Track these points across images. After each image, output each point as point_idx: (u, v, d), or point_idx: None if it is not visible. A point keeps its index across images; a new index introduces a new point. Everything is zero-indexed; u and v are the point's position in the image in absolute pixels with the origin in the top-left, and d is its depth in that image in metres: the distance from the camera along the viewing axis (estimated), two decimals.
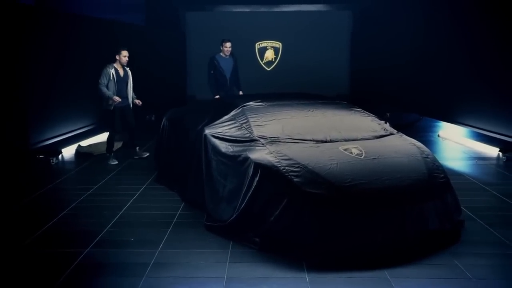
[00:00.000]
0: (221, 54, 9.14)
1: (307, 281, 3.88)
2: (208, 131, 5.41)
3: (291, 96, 6.50)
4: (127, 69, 7.89)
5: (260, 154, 4.74)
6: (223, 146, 5.14)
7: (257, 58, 15.83)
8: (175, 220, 5.25)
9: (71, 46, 8.55)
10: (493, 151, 8.48)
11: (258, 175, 4.52)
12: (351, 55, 15.53)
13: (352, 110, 5.92)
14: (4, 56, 6.94)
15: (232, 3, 15.47)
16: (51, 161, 7.73)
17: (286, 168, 4.50)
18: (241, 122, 5.42)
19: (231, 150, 5.04)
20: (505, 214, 5.45)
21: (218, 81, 9.07)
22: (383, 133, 5.49)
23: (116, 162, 7.76)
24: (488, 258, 4.33)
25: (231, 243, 4.59)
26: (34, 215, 5.47)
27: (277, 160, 4.60)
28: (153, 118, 12.41)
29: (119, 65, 7.74)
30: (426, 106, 10.71)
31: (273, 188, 4.46)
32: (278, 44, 15.87)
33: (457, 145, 9.40)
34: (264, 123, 5.34)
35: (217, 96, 8.77)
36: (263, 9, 15.62)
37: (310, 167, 4.49)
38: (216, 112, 5.94)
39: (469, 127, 9.12)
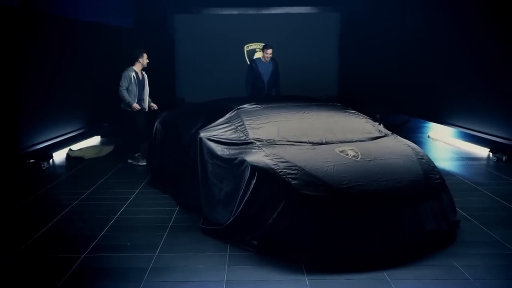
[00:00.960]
0: (261, 58, 9.30)
1: (307, 284, 3.89)
2: (203, 134, 5.39)
3: (285, 99, 6.51)
4: (143, 72, 7.86)
5: (257, 157, 4.73)
6: (219, 149, 5.13)
7: (246, 60, 15.82)
8: (171, 223, 5.22)
9: (59, 49, 8.46)
10: (483, 152, 8.57)
11: (255, 177, 4.51)
12: (339, 57, 15.60)
13: (346, 112, 5.95)
14: None
15: (221, 6, 15.46)
16: (42, 165, 7.64)
17: (283, 170, 4.50)
18: (236, 124, 5.42)
19: (227, 153, 5.03)
20: (498, 214, 5.51)
21: (255, 83, 9.19)
22: (377, 134, 5.52)
23: (144, 163, 7.65)
24: (485, 258, 4.37)
25: (228, 246, 4.58)
26: (28, 220, 5.40)
27: (274, 163, 4.59)
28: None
29: (139, 68, 7.71)
30: (416, 107, 10.79)
31: (270, 191, 4.46)
32: None
33: (447, 146, 9.48)
34: (260, 125, 5.34)
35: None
36: (251, 11, 15.63)
37: (307, 169, 4.50)
38: (210, 115, 5.92)
39: (458, 128, 9.21)
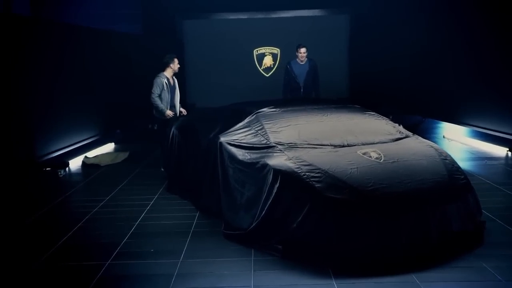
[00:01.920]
0: (296, 60, 9.12)
1: None
2: (223, 139, 5.36)
3: (303, 101, 6.47)
4: (174, 77, 7.71)
5: (279, 160, 4.69)
6: (240, 154, 5.09)
7: (256, 64, 15.79)
8: (192, 229, 5.19)
9: (72, 58, 8.49)
10: (501, 151, 8.47)
11: (278, 181, 4.47)
12: (349, 59, 15.52)
13: (366, 113, 5.89)
14: (7, 68, 6.87)
15: (229, 10, 15.45)
16: (59, 173, 7.64)
17: (307, 173, 4.45)
18: (256, 128, 5.38)
19: (248, 157, 4.99)
20: None
21: (291, 85, 9.03)
22: (399, 135, 5.46)
23: None
24: None
25: (252, 251, 4.54)
26: (48, 229, 5.39)
27: (297, 166, 4.55)
28: (155, 127, 12.30)
29: (170, 74, 7.55)
30: (429, 108, 10.71)
31: (294, 195, 4.41)
32: (276, 50, 15.83)
33: (464, 146, 9.39)
34: (280, 129, 5.30)
35: None
36: (260, 15, 15.59)
37: (330, 172, 4.46)
38: (229, 119, 5.89)
39: (474, 127, 9.13)
